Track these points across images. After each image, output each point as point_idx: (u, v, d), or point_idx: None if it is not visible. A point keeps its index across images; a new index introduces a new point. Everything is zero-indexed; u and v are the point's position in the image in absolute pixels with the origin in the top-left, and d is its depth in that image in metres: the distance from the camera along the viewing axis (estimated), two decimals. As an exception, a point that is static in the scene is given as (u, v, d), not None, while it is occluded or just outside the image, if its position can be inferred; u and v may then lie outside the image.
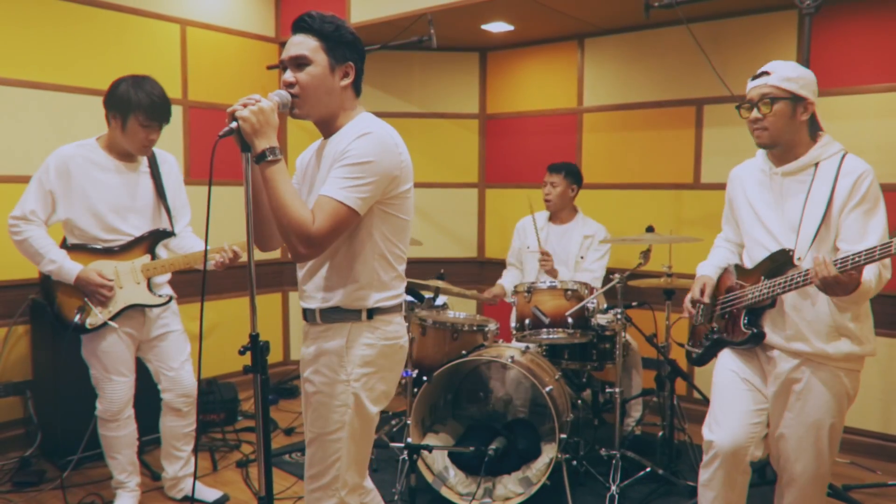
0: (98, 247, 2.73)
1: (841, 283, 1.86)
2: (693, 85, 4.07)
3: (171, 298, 2.85)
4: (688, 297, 2.38)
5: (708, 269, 2.41)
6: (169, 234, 2.86)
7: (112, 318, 2.74)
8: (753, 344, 2.20)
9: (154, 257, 2.81)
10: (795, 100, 2.09)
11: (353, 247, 1.83)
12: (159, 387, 2.94)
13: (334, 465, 1.86)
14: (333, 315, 1.87)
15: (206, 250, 1.81)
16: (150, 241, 2.81)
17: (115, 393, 2.80)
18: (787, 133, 2.11)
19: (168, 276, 2.94)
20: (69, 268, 2.66)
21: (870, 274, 1.95)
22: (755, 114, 2.12)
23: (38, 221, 2.68)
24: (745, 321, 2.18)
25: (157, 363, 2.91)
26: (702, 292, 2.33)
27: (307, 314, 1.93)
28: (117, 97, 2.65)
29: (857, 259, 1.83)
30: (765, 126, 2.11)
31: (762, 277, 2.14)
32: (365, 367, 1.86)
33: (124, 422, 2.85)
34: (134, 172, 2.79)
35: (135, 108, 2.63)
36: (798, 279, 2.00)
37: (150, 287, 2.80)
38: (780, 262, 2.10)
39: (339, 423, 1.85)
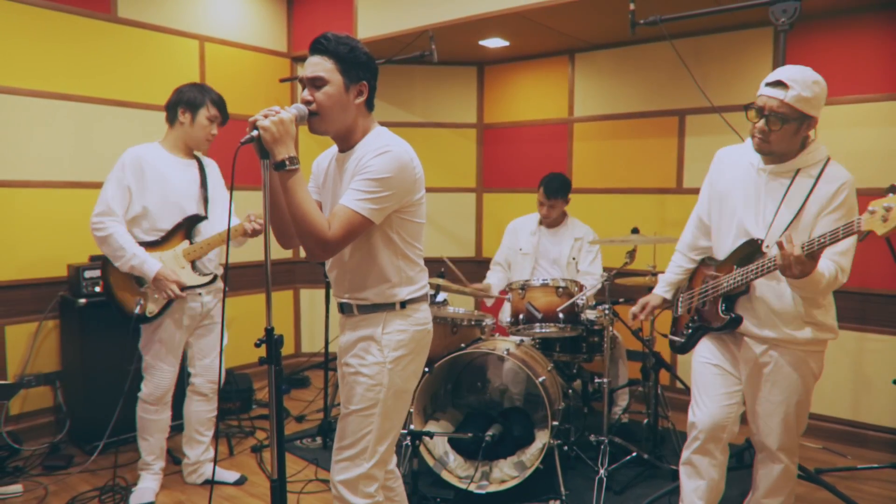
0: (147, 240, 2.77)
1: (800, 262, 1.83)
2: (676, 97, 4.10)
3: (215, 277, 2.89)
4: (632, 309, 2.57)
5: (659, 289, 2.55)
6: (202, 217, 2.88)
7: (166, 306, 2.78)
8: (732, 328, 2.20)
9: (191, 242, 2.84)
10: (803, 118, 2.00)
11: (378, 252, 1.91)
12: (190, 370, 2.98)
13: (365, 438, 1.91)
14: (371, 308, 1.95)
15: (227, 251, 1.84)
16: (186, 227, 2.84)
17: (163, 379, 2.85)
18: (787, 146, 2.05)
19: (214, 260, 2.94)
20: (152, 264, 2.71)
21: (825, 268, 1.95)
22: (762, 125, 2.02)
23: (118, 217, 2.72)
24: (723, 308, 2.20)
25: (196, 350, 2.95)
26: (642, 309, 2.54)
27: (344, 307, 2.00)
28: (187, 96, 2.82)
29: (822, 240, 1.81)
30: (769, 139, 2.02)
31: (734, 266, 2.15)
32: (399, 350, 1.93)
33: (163, 407, 2.90)
34: (190, 168, 2.90)
35: (207, 101, 2.81)
36: (768, 264, 2.00)
37: (194, 269, 2.84)
38: (749, 251, 2.12)
39: (373, 401, 1.91)
